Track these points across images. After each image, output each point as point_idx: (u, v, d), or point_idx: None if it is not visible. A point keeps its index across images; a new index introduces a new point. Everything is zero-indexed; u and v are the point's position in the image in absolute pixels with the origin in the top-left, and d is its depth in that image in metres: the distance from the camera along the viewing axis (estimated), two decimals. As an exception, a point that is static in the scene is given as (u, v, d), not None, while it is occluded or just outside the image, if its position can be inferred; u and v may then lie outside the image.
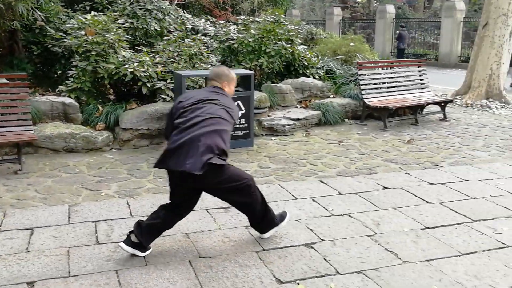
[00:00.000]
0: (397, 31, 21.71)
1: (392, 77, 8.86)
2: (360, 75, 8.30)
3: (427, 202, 4.65)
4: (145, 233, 3.41)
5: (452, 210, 4.45)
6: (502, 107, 9.99)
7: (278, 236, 3.82)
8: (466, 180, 5.33)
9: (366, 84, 8.31)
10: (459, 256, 3.57)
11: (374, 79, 8.57)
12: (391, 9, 24.53)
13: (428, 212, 4.40)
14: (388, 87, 8.68)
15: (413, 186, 5.09)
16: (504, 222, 4.20)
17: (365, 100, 8.12)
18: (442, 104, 8.84)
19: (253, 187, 3.52)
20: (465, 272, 3.33)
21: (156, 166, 3.34)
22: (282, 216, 3.84)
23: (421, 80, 9.15)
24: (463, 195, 4.84)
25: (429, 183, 5.22)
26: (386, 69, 9.04)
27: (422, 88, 9.10)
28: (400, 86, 8.85)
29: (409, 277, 3.26)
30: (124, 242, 3.42)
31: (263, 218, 3.69)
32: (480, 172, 5.64)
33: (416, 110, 8.49)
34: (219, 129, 3.33)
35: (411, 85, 9.02)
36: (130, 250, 3.41)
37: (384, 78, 8.77)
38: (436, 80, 13.97)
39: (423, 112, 8.95)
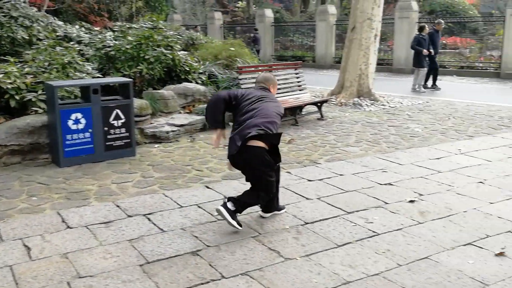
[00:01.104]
0: (252, 34, 23.29)
1: (271, 80, 9.14)
2: (241, 79, 8.48)
3: (307, 198, 4.89)
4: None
5: (329, 204, 4.72)
6: (372, 104, 10.81)
7: (163, 247, 3.77)
8: (341, 174, 5.69)
9: (247, 88, 8.50)
10: (335, 247, 3.80)
11: (255, 82, 8.78)
12: (269, 13, 25.38)
13: (308, 208, 4.63)
14: (268, 90, 8.94)
15: (293, 184, 5.32)
16: (375, 212, 4.55)
17: (247, 103, 8.29)
18: (319, 104, 9.35)
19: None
20: (341, 263, 3.56)
21: None
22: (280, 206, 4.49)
23: (298, 81, 9.58)
24: (339, 189, 5.16)
25: (308, 180, 5.48)
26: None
27: (300, 90, 9.53)
28: (279, 88, 9.16)
29: (291, 274, 3.40)
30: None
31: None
32: (353, 166, 6.06)
33: (295, 111, 8.87)
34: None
35: (290, 87, 9.40)
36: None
37: (264, 81, 9.02)
38: (314, 81, 14.73)
39: (302, 113, 9.39)
